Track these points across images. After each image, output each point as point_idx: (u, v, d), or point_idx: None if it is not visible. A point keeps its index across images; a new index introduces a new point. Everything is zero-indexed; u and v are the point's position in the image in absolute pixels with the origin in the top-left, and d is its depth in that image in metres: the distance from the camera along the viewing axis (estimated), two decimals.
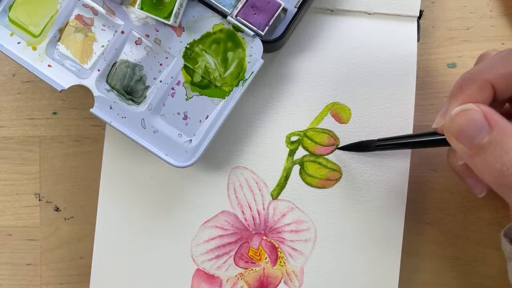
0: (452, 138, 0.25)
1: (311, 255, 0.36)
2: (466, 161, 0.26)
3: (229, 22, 0.33)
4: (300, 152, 0.36)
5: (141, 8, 0.32)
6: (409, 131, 0.36)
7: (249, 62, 0.33)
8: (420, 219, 0.39)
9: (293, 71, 0.36)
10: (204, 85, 0.33)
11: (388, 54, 0.36)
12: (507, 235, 0.32)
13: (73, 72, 0.33)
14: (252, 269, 0.36)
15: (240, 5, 0.32)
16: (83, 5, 0.33)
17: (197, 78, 0.33)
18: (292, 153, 0.36)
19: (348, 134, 0.36)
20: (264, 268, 0.36)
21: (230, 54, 0.33)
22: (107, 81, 0.34)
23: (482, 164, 0.24)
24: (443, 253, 0.39)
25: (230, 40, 0.33)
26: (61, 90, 0.33)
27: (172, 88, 0.33)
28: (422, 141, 0.31)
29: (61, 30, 0.33)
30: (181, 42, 0.33)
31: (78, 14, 0.33)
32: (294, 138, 0.36)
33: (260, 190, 0.36)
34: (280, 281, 0.36)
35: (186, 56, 0.33)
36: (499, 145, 0.23)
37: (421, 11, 0.36)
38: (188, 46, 0.33)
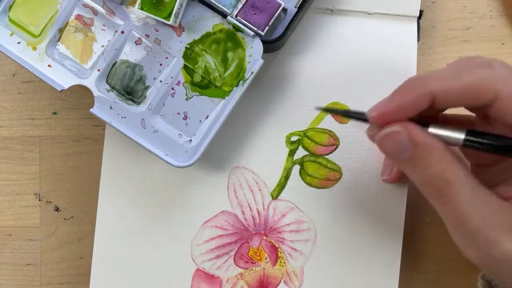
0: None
1: (311, 255, 0.36)
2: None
3: (229, 22, 0.33)
4: (300, 152, 0.36)
5: (141, 8, 0.32)
6: None
7: (249, 62, 0.33)
8: (420, 219, 0.39)
9: (293, 71, 0.36)
10: (204, 85, 0.33)
11: (388, 54, 0.36)
12: (484, 277, 0.33)
13: (73, 72, 0.33)
14: (252, 269, 0.36)
15: (240, 5, 0.32)
16: (83, 5, 0.33)
17: (197, 78, 0.33)
18: (292, 153, 0.36)
19: (348, 134, 0.36)
20: (264, 268, 0.36)
21: (230, 54, 0.33)
22: (107, 81, 0.34)
23: (407, 171, 0.27)
24: (443, 253, 0.39)
25: (230, 40, 0.33)
26: (61, 90, 0.33)
27: (172, 88, 0.33)
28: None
29: (61, 30, 0.33)
30: (181, 42, 0.33)
31: (78, 14, 0.33)
32: (294, 138, 0.36)
33: (260, 190, 0.36)
34: (280, 281, 0.36)
35: (186, 56, 0.33)
36: (422, 161, 0.26)
37: (421, 11, 0.36)
38: (188, 46, 0.33)
